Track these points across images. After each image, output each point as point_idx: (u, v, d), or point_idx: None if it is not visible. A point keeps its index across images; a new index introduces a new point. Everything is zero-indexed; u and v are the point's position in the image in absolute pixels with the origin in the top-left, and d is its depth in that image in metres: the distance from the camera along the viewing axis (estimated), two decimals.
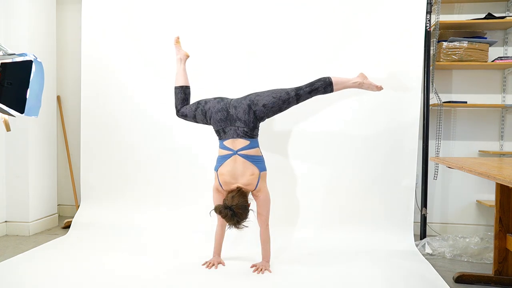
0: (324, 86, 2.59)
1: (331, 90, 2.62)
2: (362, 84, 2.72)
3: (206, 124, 2.69)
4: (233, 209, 2.35)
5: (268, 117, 2.62)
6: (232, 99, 2.64)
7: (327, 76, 2.63)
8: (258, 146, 2.58)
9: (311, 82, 2.60)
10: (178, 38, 2.89)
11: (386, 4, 3.15)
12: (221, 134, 2.57)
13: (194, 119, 2.71)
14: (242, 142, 2.52)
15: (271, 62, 3.27)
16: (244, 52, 3.32)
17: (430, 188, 3.45)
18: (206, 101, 2.67)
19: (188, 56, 2.86)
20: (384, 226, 3.15)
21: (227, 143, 2.53)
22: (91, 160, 3.56)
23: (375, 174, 3.21)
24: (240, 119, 2.52)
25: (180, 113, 2.76)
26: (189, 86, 2.79)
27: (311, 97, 2.62)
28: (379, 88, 2.75)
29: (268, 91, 2.61)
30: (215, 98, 2.67)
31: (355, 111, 3.22)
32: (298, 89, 2.58)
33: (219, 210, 2.37)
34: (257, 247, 2.67)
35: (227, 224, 2.45)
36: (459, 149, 3.54)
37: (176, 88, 2.77)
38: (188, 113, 2.72)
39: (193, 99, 2.79)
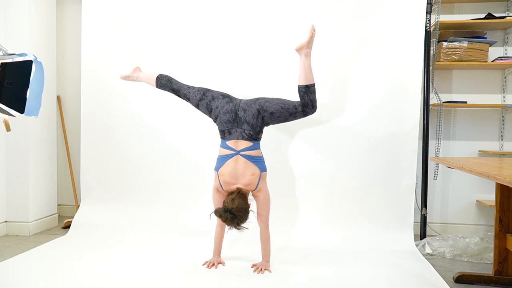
0: (312, 98, 2.49)
1: (314, 91, 2.51)
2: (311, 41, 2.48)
3: (207, 116, 2.68)
4: (233, 212, 2.35)
5: (272, 124, 2.61)
6: (240, 100, 2.61)
7: (309, 86, 2.48)
8: (259, 148, 2.58)
9: (311, 101, 2.49)
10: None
11: (386, 4, 3.15)
12: (226, 134, 2.55)
13: (196, 106, 2.69)
14: (245, 143, 2.51)
15: (270, 63, 3.27)
16: (241, 53, 3.31)
17: (430, 188, 3.45)
18: (213, 97, 2.63)
19: (136, 68, 2.95)
20: (384, 226, 3.15)
21: (230, 143, 2.53)
22: (91, 160, 3.56)
23: (375, 174, 3.21)
24: (248, 123, 2.51)
25: (182, 94, 2.72)
26: (161, 78, 2.77)
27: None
28: (312, 31, 2.46)
29: (278, 99, 2.57)
30: (223, 97, 2.63)
31: (355, 111, 3.21)
32: (304, 106, 2.50)
33: (219, 213, 2.38)
34: (257, 247, 2.68)
35: (227, 226, 2.45)
36: (459, 149, 3.53)
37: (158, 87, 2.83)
38: (191, 98, 2.68)
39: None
